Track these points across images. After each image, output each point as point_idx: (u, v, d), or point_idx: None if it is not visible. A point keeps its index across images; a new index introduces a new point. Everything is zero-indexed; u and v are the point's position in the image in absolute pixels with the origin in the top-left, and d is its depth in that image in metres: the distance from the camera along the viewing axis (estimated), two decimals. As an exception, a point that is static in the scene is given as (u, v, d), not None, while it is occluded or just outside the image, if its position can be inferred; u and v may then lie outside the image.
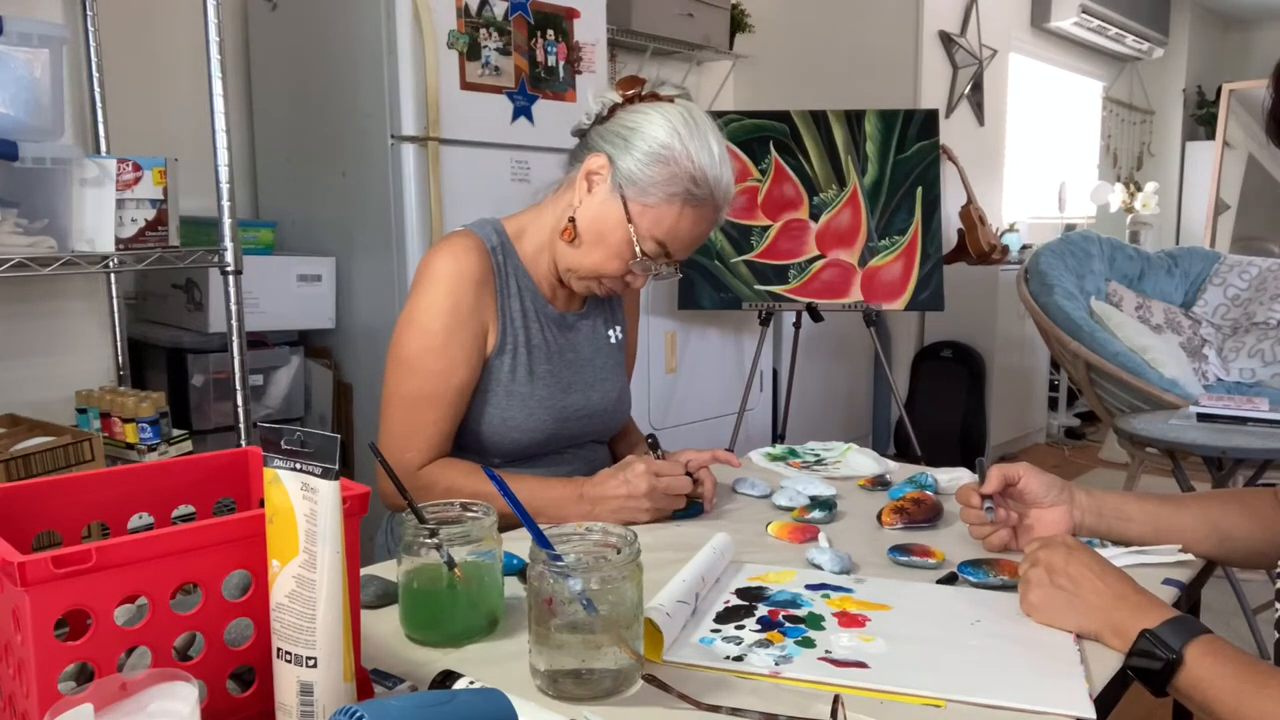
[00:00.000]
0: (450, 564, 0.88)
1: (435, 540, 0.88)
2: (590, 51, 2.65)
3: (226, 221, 1.87)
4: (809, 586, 1.02)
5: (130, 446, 1.81)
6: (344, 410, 2.56)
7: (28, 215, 1.70)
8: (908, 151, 3.36)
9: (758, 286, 3.32)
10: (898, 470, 1.52)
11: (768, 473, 1.51)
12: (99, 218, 1.74)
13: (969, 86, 4.70)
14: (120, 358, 2.11)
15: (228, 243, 1.88)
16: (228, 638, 0.72)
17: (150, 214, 1.80)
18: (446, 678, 0.79)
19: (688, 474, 1.27)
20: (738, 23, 4.10)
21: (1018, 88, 5.49)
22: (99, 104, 2.11)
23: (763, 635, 0.90)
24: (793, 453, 1.62)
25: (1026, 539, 1.11)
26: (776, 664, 0.84)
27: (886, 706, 0.78)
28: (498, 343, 1.33)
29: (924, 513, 1.23)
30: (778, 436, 3.67)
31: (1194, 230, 6.54)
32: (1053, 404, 5.30)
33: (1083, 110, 6.62)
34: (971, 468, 1.27)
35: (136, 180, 1.78)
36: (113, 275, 2.07)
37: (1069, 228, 5.62)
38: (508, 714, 0.66)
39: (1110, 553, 1.07)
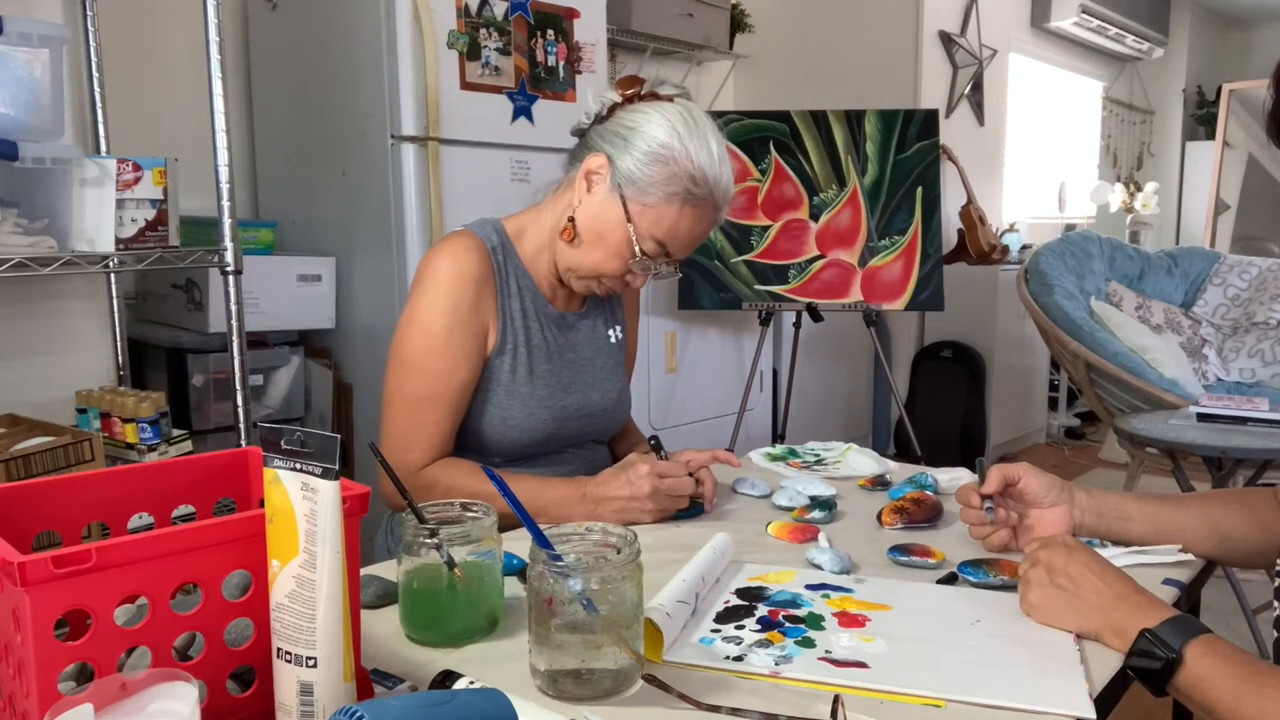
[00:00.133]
0: (450, 564, 0.88)
1: (435, 540, 0.88)
2: (590, 51, 2.65)
3: (226, 221, 1.87)
4: (809, 586, 1.02)
5: (130, 446, 1.81)
6: (344, 410, 2.56)
7: (28, 215, 1.70)
8: (908, 151, 3.36)
9: (758, 286, 3.32)
10: (898, 470, 1.52)
11: (768, 473, 1.51)
12: (99, 218, 1.74)
13: (969, 86, 4.70)
14: (120, 358, 2.11)
15: (228, 243, 1.88)
16: (228, 638, 0.72)
17: (150, 214, 1.81)
18: (446, 678, 0.79)
19: (688, 474, 1.27)
20: (738, 23, 4.10)
21: (1018, 88, 5.49)
22: (99, 104, 2.11)
23: (763, 635, 0.90)
24: (793, 453, 1.62)
25: (1026, 539, 1.11)
26: (776, 664, 0.84)
27: (886, 706, 0.78)
28: (498, 342, 1.33)
29: (924, 513, 1.24)
30: (778, 436, 3.67)
31: (1194, 230, 6.54)
32: (1053, 404, 5.30)
33: (1083, 110, 6.62)
34: (971, 468, 1.27)
35: (136, 180, 1.78)
36: (113, 275, 2.07)
37: (1069, 228, 5.62)
38: (508, 714, 0.66)
39: (1110, 553, 1.07)
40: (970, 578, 1.03)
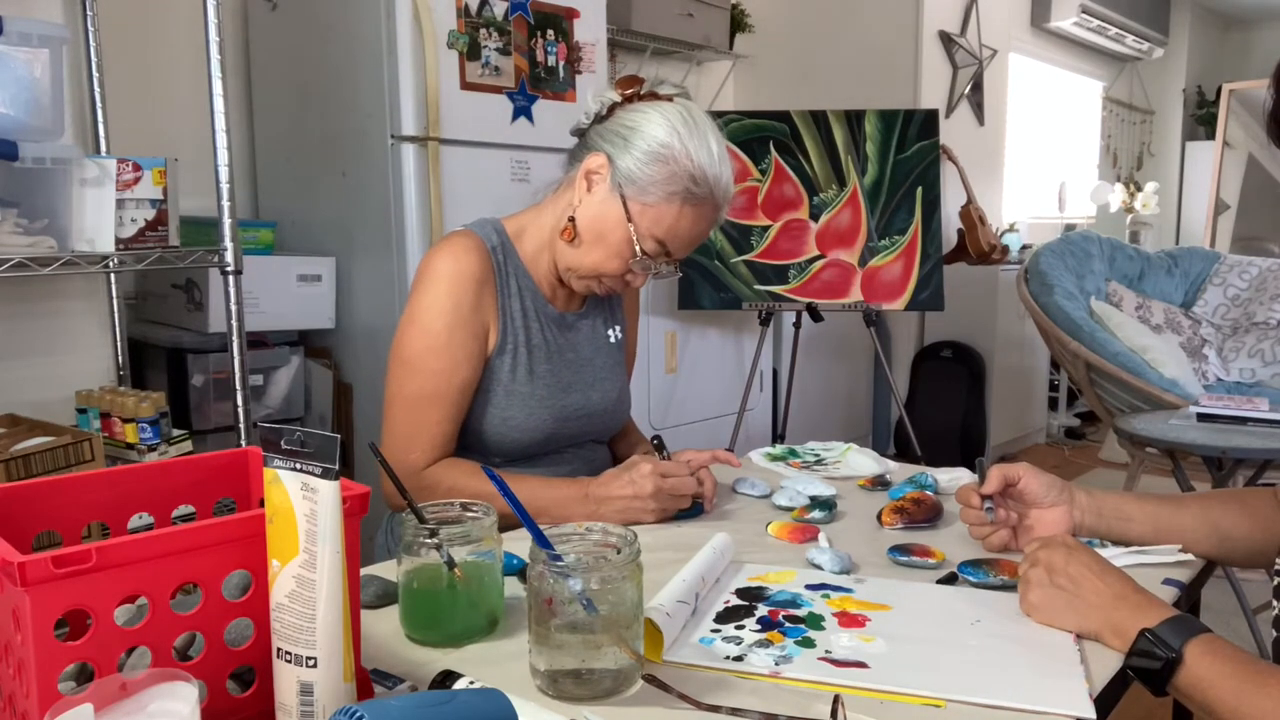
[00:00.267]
0: (450, 564, 0.88)
1: (435, 540, 0.88)
2: (590, 51, 2.65)
3: (226, 221, 1.87)
4: (809, 586, 1.02)
5: (130, 446, 1.81)
6: (344, 410, 2.56)
7: (28, 215, 1.70)
8: (908, 151, 3.36)
9: (758, 286, 3.32)
10: (898, 470, 1.52)
11: (768, 473, 1.51)
12: (99, 218, 1.74)
13: (969, 86, 4.70)
14: (120, 358, 2.11)
15: (228, 243, 1.88)
16: (228, 638, 0.72)
17: (150, 214, 1.80)
18: (446, 678, 0.79)
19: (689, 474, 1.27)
20: (738, 23, 4.10)
21: (1018, 88, 5.49)
22: (99, 104, 2.11)
23: (763, 635, 0.90)
24: (793, 453, 1.62)
25: (1026, 539, 1.11)
26: (776, 664, 0.84)
27: (886, 706, 0.78)
28: (498, 342, 1.33)
29: (924, 513, 1.23)
30: (778, 436, 3.67)
31: (1194, 230, 6.54)
32: (1053, 404, 5.30)
33: (1083, 110, 6.62)
34: (971, 468, 1.27)
35: (136, 180, 1.78)
36: (113, 275, 2.07)
37: (1069, 228, 5.62)
38: (508, 714, 0.66)
39: (1110, 553, 1.07)
40: (970, 578, 1.03)
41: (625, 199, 1.28)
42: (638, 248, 1.29)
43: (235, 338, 1.90)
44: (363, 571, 1.01)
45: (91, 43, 2.08)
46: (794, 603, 0.97)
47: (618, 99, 1.32)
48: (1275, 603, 0.95)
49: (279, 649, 0.69)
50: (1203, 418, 2.45)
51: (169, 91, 2.55)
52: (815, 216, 3.35)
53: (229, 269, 1.88)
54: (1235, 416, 2.42)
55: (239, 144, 2.68)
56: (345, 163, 2.47)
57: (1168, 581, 1.02)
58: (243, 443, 1.92)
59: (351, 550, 0.71)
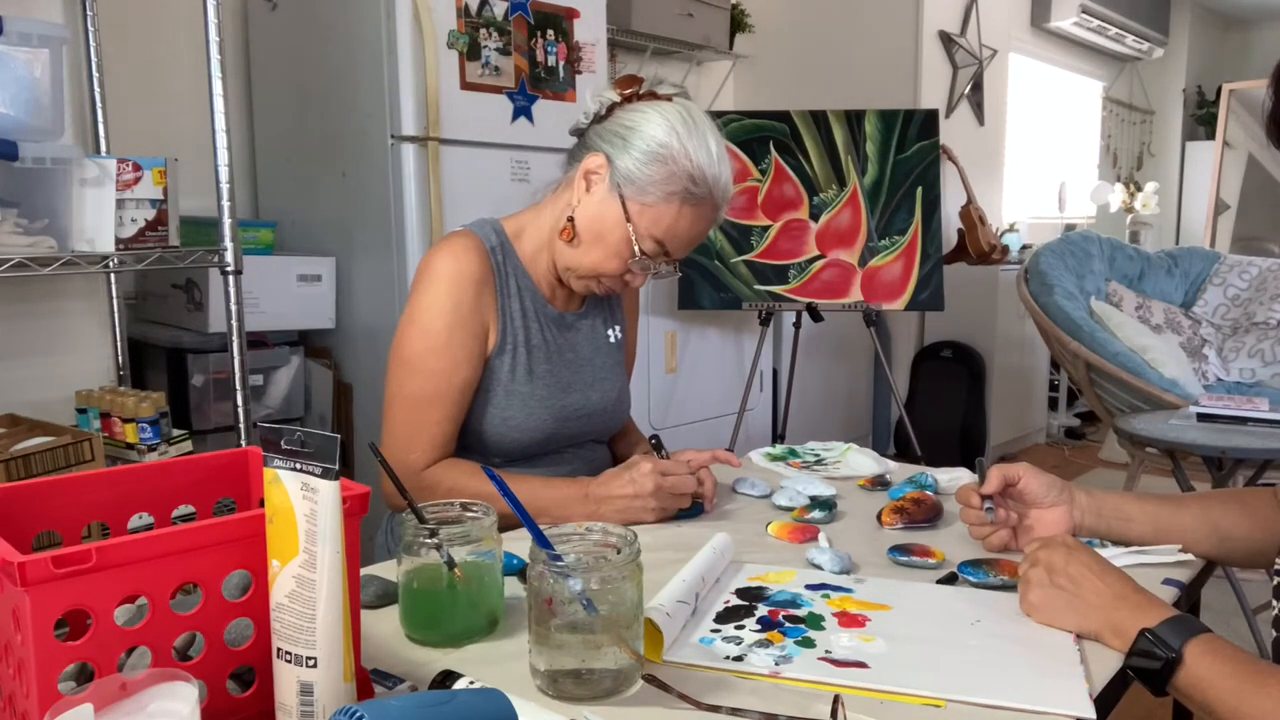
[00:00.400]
0: (450, 564, 0.88)
1: (435, 540, 0.88)
2: (590, 51, 2.65)
3: (226, 221, 1.87)
4: (809, 586, 1.02)
5: (130, 446, 1.81)
6: (344, 410, 2.56)
7: (28, 215, 1.70)
8: (908, 151, 3.36)
9: (758, 286, 3.32)
10: (898, 470, 1.52)
11: (768, 473, 1.51)
12: (99, 218, 1.74)
13: (969, 86, 4.70)
14: (120, 358, 2.11)
15: (228, 243, 1.88)
16: (228, 638, 0.72)
17: (150, 214, 1.81)
18: (446, 678, 0.79)
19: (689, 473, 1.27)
20: (738, 23, 4.10)
21: (1018, 88, 5.49)
22: (99, 104, 2.11)
23: (763, 635, 0.90)
24: (793, 453, 1.62)
25: (1026, 539, 1.11)
26: (776, 664, 0.84)
27: (886, 706, 0.78)
28: (498, 342, 1.33)
29: (924, 513, 1.23)
30: (778, 436, 3.67)
31: (1194, 230, 6.54)
32: (1053, 404, 5.30)
33: (1083, 110, 6.62)
34: (971, 468, 1.27)
35: (136, 180, 1.78)
36: (113, 275, 2.07)
37: (1069, 228, 5.62)
38: (508, 714, 0.66)
39: (1110, 553, 1.07)
40: (970, 578, 1.03)
41: (624, 199, 1.28)
42: (636, 248, 1.29)
43: (235, 338, 1.90)
44: (363, 571, 1.01)
45: (91, 43, 2.08)
46: (794, 603, 0.97)
47: (617, 99, 1.32)
48: (1275, 603, 0.95)
49: (279, 649, 0.69)
50: (1203, 418, 2.45)
51: (169, 91, 2.55)
52: (815, 216, 3.35)
53: (229, 269, 1.88)
54: (1235, 416, 2.42)
55: (239, 144, 2.68)
56: (345, 163, 2.47)
57: (1168, 581, 1.02)
58: (243, 443, 1.92)
59: (351, 550, 0.71)
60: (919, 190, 3.34)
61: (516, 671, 0.83)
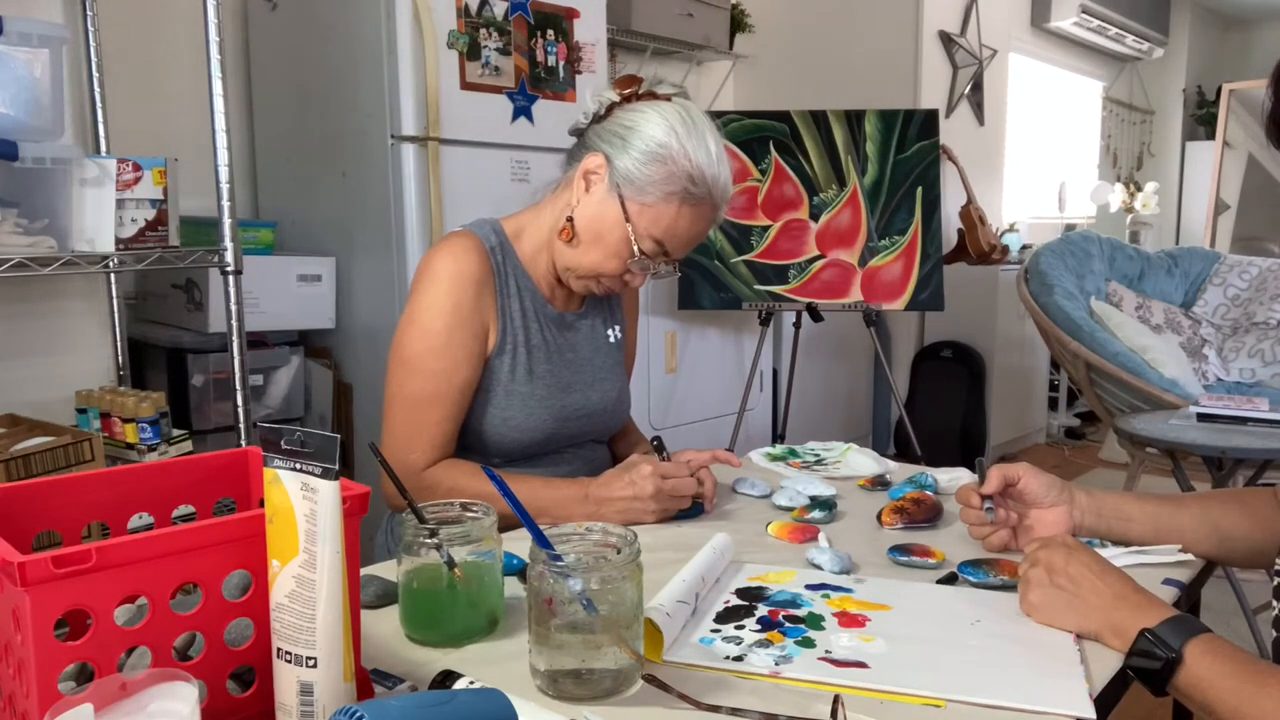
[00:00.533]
0: (450, 564, 0.88)
1: (435, 540, 0.88)
2: (590, 51, 2.65)
3: (226, 221, 1.87)
4: (809, 586, 1.02)
5: (130, 446, 1.81)
6: (344, 410, 2.56)
7: (28, 215, 1.70)
8: (908, 151, 3.36)
9: (758, 286, 3.32)
10: (898, 470, 1.52)
11: (768, 473, 1.51)
12: (99, 218, 1.74)
13: (969, 86, 4.70)
14: (120, 358, 2.11)
15: (228, 243, 1.88)
16: (228, 638, 0.72)
17: (150, 214, 1.81)
18: (446, 678, 0.79)
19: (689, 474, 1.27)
20: (738, 23, 4.10)
21: (1018, 88, 5.49)
22: (99, 104, 2.11)
23: (763, 635, 0.90)
24: (793, 453, 1.62)
25: (1026, 539, 1.11)
26: (776, 664, 0.84)
27: (886, 706, 0.78)
28: (498, 342, 1.33)
29: (924, 513, 1.23)
30: (778, 436, 3.67)
31: (1194, 230, 6.54)
32: (1053, 404, 5.30)
33: (1083, 110, 6.62)
34: (971, 468, 1.27)
35: (136, 180, 1.78)
36: (113, 275, 2.08)
37: (1069, 228, 5.62)
38: (508, 714, 0.66)
39: (1110, 553, 1.07)
40: (970, 578, 1.03)
41: (623, 199, 1.28)
42: (636, 248, 1.29)
43: (235, 338, 1.90)
44: (363, 571, 1.01)
45: (91, 43, 2.08)
46: (794, 603, 0.97)
47: (616, 99, 1.32)
48: (1275, 603, 0.95)
49: (279, 649, 0.69)
50: (1203, 418, 2.45)
51: (169, 91, 2.55)
52: (815, 216, 3.35)
53: (229, 269, 1.88)
54: (1235, 416, 2.42)
55: (239, 144, 2.68)
56: (345, 163, 2.47)
57: (1168, 581, 1.02)
58: (243, 443, 1.92)
59: (351, 550, 0.71)
60: (919, 190, 3.34)
61: (516, 671, 0.83)
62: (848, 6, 4.39)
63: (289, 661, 0.69)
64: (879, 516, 1.25)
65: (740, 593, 1.00)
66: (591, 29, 2.66)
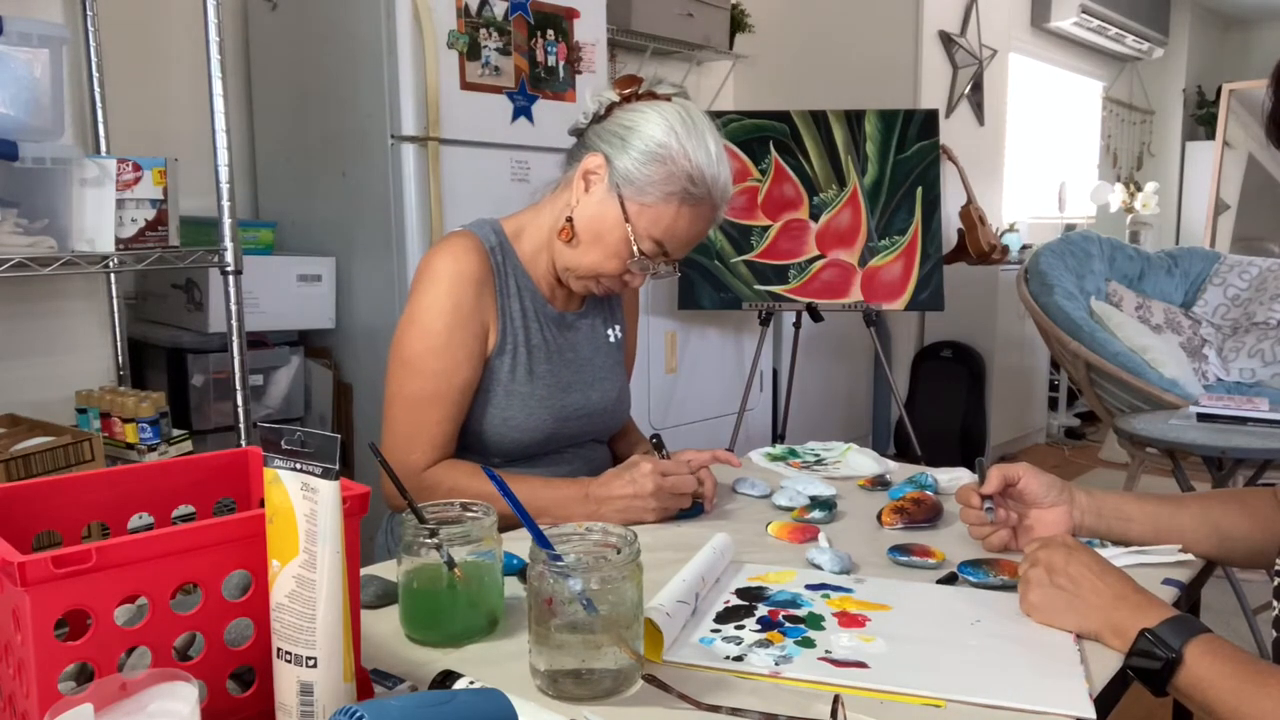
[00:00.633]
0: (450, 564, 0.88)
1: (435, 540, 0.88)
2: (590, 51, 2.65)
3: (226, 221, 1.87)
4: (809, 586, 1.02)
5: (130, 446, 1.81)
6: (344, 410, 2.56)
7: (28, 215, 1.70)
8: (908, 151, 3.36)
9: (758, 286, 3.32)
10: (898, 470, 1.52)
11: (768, 473, 1.51)
12: (99, 218, 1.74)
13: (969, 86, 4.70)
14: (120, 358, 2.11)
15: (228, 243, 1.88)
16: (228, 638, 0.72)
17: (150, 214, 1.81)
18: (446, 678, 0.79)
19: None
20: (738, 23, 4.10)
21: (1018, 88, 5.49)
22: (99, 104, 2.11)
23: (763, 635, 0.90)
24: (793, 453, 1.62)
25: (1026, 539, 1.11)
26: (776, 664, 0.84)
27: (886, 706, 0.78)
28: (498, 342, 1.33)
29: (924, 513, 1.23)
30: (778, 436, 3.67)
31: (1194, 230, 6.54)
32: (1053, 404, 5.30)
33: (1083, 110, 6.62)
34: (971, 468, 1.27)
35: (136, 180, 1.78)
36: (113, 275, 2.07)
37: (1069, 228, 5.62)
38: (508, 714, 0.66)
39: (1110, 553, 1.07)
40: (970, 578, 1.03)
41: (623, 199, 1.28)
42: (635, 248, 1.29)
43: (235, 338, 1.90)
44: (363, 571, 1.01)
45: (91, 43, 2.08)
46: (794, 603, 0.97)
47: (616, 99, 1.32)
48: (1275, 603, 0.95)
49: (279, 649, 0.69)
50: (1203, 418, 2.45)
51: (169, 91, 2.55)
52: (815, 216, 3.35)
53: (229, 269, 1.88)
54: (1235, 416, 2.42)
55: (239, 144, 2.68)
56: (345, 163, 2.47)
57: (1168, 581, 1.02)
58: (243, 443, 1.92)
59: (351, 550, 0.71)
60: (919, 190, 3.34)
61: (516, 671, 0.83)
62: (848, 7, 4.39)
63: (289, 661, 0.69)
64: (879, 516, 1.25)
65: (740, 593, 1.00)
66: (591, 29, 2.66)
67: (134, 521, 0.84)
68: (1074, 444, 5.17)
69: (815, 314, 3.27)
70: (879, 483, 1.43)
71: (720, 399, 3.48)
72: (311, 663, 0.68)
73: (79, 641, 0.65)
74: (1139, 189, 5.94)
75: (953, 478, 1.40)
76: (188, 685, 0.61)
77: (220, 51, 1.81)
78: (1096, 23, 5.86)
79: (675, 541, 1.15)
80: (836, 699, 0.71)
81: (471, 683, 0.77)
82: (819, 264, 3.32)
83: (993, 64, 4.85)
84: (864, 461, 1.54)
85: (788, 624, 0.92)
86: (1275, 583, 0.95)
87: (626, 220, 1.28)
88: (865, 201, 3.34)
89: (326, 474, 0.67)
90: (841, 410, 4.14)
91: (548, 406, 1.36)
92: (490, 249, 1.34)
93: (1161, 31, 6.61)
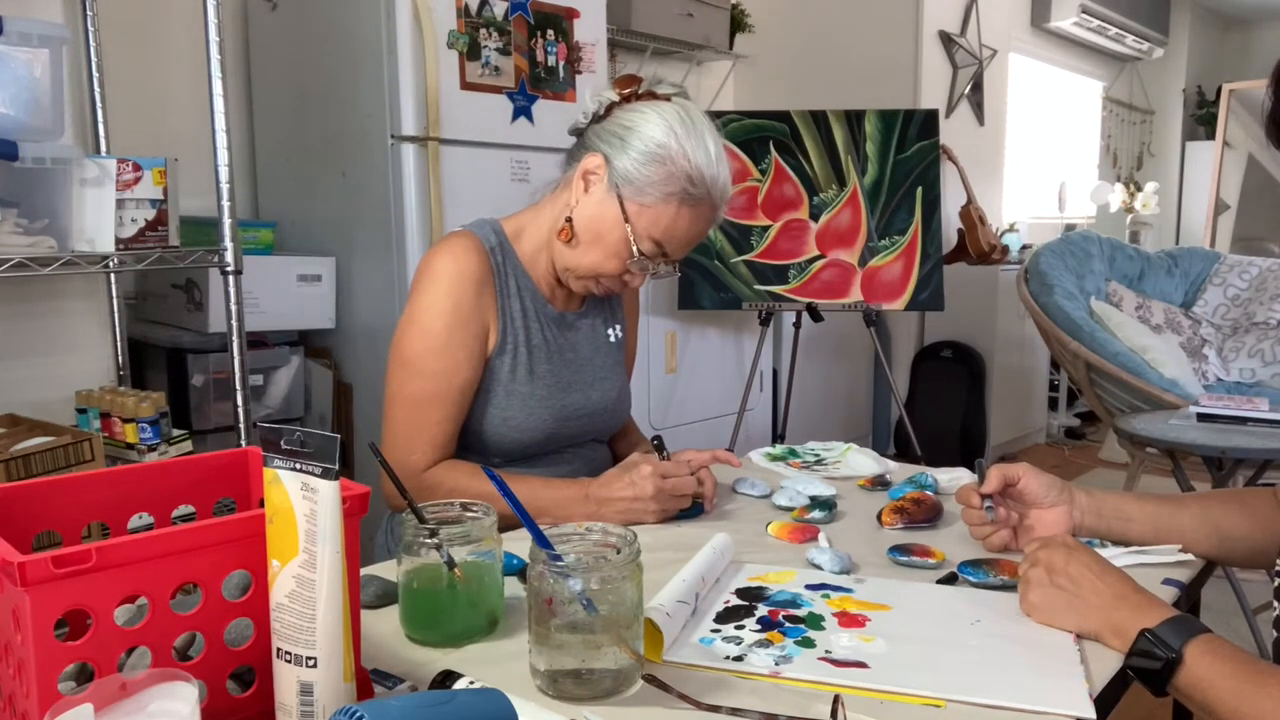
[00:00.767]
0: (450, 564, 0.88)
1: (435, 540, 0.88)
2: (590, 51, 2.65)
3: (226, 221, 1.87)
4: (809, 586, 1.02)
5: (130, 446, 1.81)
6: (344, 410, 2.56)
7: (28, 215, 1.70)
8: (908, 151, 3.36)
9: (758, 286, 3.32)
10: (898, 470, 1.52)
11: (768, 473, 1.51)
12: (99, 218, 1.74)
13: (969, 86, 4.70)
14: (120, 358, 2.11)
15: (228, 243, 1.88)
16: (228, 638, 0.72)
17: (150, 214, 1.81)
18: (446, 678, 0.79)
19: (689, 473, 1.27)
20: (738, 23, 4.10)
21: (1018, 88, 5.49)
22: (99, 104, 2.11)
23: (763, 635, 0.90)
24: (793, 453, 1.62)
25: (1026, 539, 1.11)
26: (776, 664, 0.84)
27: (886, 706, 0.78)
28: (498, 342, 1.33)
29: (924, 513, 1.23)
30: (778, 436, 3.67)
31: (1194, 230, 6.54)
32: (1053, 404, 5.30)
33: (1083, 110, 6.62)
34: (971, 468, 1.27)
35: (136, 180, 1.78)
36: (113, 275, 2.07)
37: (1069, 228, 5.62)
38: (508, 714, 0.66)
39: (1110, 553, 1.07)
40: (970, 578, 1.03)
41: (622, 199, 1.28)
42: (635, 248, 1.29)
43: (235, 338, 1.90)
44: (363, 571, 1.01)
45: (91, 43, 2.08)
46: (794, 603, 0.97)
47: (615, 98, 1.32)
48: (1276, 603, 0.95)
49: (279, 649, 0.69)
50: (1203, 418, 2.45)
51: (169, 91, 2.55)
52: (815, 216, 3.35)
53: (229, 269, 1.88)
54: (1235, 416, 2.42)
55: (239, 144, 2.68)
56: (345, 163, 2.47)
57: (1168, 581, 1.02)
58: (243, 443, 1.92)
59: (351, 550, 0.71)
60: (919, 190, 3.34)
61: (516, 671, 0.83)
62: (848, 7, 4.39)
63: (289, 661, 0.69)
64: (879, 516, 1.25)
65: (740, 593, 1.00)
66: (591, 29, 2.66)
67: (134, 521, 0.84)
68: (1074, 444, 5.17)
69: (815, 314, 3.27)
70: (879, 483, 1.43)
71: (720, 399, 3.48)
72: (311, 663, 0.68)
73: (79, 641, 0.65)
74: (1139, 189, 5.94)
75: (953, 478, 1.40)
76: (188, 685, 0.61)
77: (220, 51, 1.81)
78: (1096, 23, 5.86)
79: (675, 541, 1.15)
80: (836, 699, 0.71)
81: (471, 683, 0.77)
82: (819, 264, 3.32)
83: (993, 64, 4.85)
84: (864, 461, 1.54)
85: (788, 624, 0.92)
86: (1275, 583, 0.95)
87: (626, 220, 1.28)
88: (865, 201, 3.34)
89: (326, 474, 0.67)
90: (841, 410, 4.14)
91: (548, 406, 1.36)
92: (490, 249, 1.34)
93: (1161, 31, 6.61)
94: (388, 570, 1.05)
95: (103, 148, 2.12)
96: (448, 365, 1.29)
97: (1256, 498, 1.08)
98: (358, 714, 0.61)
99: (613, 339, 1.48)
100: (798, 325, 3.47)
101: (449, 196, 2.37)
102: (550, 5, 2.54)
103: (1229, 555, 1.10)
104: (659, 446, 1.37)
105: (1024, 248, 5.13)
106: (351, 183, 2.47)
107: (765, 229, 3.34)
